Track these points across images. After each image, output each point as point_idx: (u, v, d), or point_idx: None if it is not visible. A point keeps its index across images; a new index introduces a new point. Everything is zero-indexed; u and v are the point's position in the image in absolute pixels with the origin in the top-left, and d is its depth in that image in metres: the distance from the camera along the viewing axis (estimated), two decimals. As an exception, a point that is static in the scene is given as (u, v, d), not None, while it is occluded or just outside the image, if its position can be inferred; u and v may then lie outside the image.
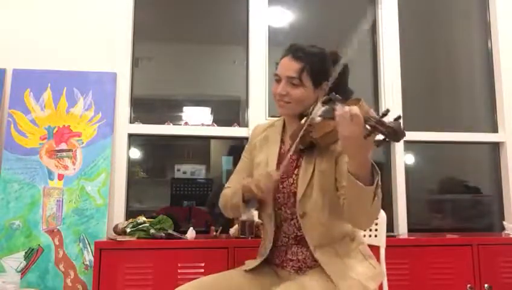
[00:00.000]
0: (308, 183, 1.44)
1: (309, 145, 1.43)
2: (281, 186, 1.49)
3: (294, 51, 1.48)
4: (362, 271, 1.43)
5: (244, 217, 2.06)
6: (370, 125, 1.15)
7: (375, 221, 1.86)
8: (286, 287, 1.35)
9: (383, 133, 1.13)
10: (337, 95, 1.31)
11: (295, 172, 1.48)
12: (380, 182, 1.24)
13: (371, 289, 1.40)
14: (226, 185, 1.67)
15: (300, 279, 1.42)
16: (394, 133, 1.11)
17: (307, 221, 1.45)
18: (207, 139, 2.73)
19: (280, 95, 1.48)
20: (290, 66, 1.46)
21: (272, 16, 2.76)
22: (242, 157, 1.69)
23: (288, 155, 1.42)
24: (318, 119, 1.36)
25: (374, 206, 1.25)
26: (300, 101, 1.47)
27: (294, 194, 1.46)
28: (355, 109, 1.16)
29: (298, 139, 1.39)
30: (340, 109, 1.19)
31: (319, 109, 1.38)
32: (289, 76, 1.46)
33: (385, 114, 1.14)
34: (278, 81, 1.49)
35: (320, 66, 1.49)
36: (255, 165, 1.59)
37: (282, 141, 1.58)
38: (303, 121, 1.45)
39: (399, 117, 1.13)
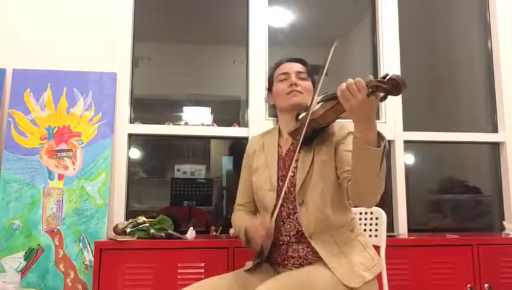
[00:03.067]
0: (307, 171, 1.50)
1: (309, 135, 1.48)
2: (281, 183, 1.54)
3: (289, 60, 1.69)
4: (359, 261, 1.44)
5: None
6: (372, 85, 1.22)
7: (375, 215, 1.86)
8: (272, 282, 1.35)
9: (385, 90, 1.20)
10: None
11: (294, 165, 1.52)
12: (387, 146, 1.29)
13: (367, 279, 1.41)
14: (235, 205, 1.76)
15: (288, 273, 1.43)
16: (396, 84, 1.18)
17: (305, 208, 1.48)
18: (207, 139, 2.72)
19: (294, 85, 1.61)
20: (295, 65, 1.66)
21: (271, 16, 2.76)
22: (242, 167, 1.77)
23: (297, 150, 1.45)
24: (317, 106, 1.46)
25: (380, 176, 1.28)
26: (309, 91, 1.62)
27: (295, 186, 1.51)
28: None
29: (305, 127, 1.43)
30: (342, 85, 1.27)
31: (316, 101, 1.47)
32: (298, 71, 1.65)
33: (384, 77, 1.21)
34: (285, 79, 1.64)
35: (311, 70, 1.69)
36: (253, 171, 1.67)
37: (279, 145, 1.66)
38: (301, 116, 1.53)
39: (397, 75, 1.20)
